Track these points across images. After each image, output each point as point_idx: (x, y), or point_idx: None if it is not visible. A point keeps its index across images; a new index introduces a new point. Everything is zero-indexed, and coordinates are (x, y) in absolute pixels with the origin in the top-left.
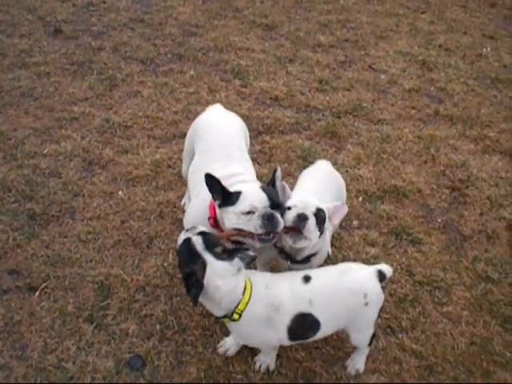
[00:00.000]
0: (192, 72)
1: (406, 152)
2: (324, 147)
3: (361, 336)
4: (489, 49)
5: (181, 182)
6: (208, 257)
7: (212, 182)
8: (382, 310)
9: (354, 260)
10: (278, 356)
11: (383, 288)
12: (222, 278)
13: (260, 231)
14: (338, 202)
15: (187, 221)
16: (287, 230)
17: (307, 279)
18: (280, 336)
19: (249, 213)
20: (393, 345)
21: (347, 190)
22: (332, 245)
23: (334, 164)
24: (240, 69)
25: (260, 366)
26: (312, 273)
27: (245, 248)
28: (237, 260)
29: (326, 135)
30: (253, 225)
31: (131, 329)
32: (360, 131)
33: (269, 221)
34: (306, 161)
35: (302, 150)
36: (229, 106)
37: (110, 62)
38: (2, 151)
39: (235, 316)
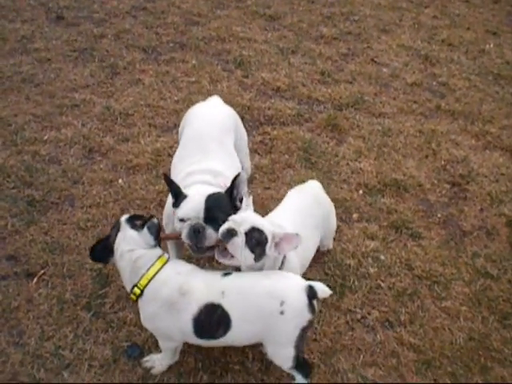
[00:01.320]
0: (194, 61)
1: (407, 146)
2: (325, 139)
3: (277, 352)
4: (492, 45)
5: None
6: (124, 224)
7: (168, 181)
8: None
9: (353, 253)
10: None
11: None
12: (129, 245)
13: (186, 241)
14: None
15: (164, 212)
16: (219, 242)
17: (227, 274)
18: (184, 327)
19: (182, 220)
20: (391, 338)
21: (348, 183)
22: None
23: (335, 156)
24: (242, 59)
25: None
26: (236, 272)
27: (152, 217)
28: (145, 230)
29: (328, 127)
30: (182, 233)
31: (129, 317)
32: (361, 124)
33: (194, 233)
34: (307, 152)
35: (302, 142)
36: (230, 96)
37: (111, 49)
38: (2, 137)
39: (136, 290)
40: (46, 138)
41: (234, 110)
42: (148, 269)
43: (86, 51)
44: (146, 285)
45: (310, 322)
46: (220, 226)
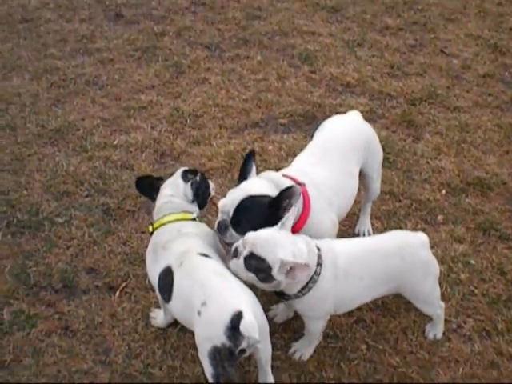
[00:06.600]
0: (259, 57)
1: (486, 141)
2: (401, 136)
3: (199, 355)
4: None
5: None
6: (178, 173)
7: (247, 157)
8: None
9: (443, 257)
10: (372, 361)
11: None
12: (171, 190)
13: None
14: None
15: None
16: None
17: (205, 255)
18: (156, 274)
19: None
20: (489, 348)
21: (430, 183)
22: None
23: (414, 154)
24: (308, 54)
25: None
26: (215, 259)
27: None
28: (188, 184)
29: (403, 124)
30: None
31: None
32: (437, 119)
33: (219, 227)
34: (384, 151)
35: (379, 140)
36: (300, 93)
37: (174, 47)
38: (72, 142)
39: (149, 227)
40: (115, 142)
41: (371, 129)
42: (165, 215)
43: (149, 50)
44: (157, 228)
45: (226, 348)
46: (245, 229)
